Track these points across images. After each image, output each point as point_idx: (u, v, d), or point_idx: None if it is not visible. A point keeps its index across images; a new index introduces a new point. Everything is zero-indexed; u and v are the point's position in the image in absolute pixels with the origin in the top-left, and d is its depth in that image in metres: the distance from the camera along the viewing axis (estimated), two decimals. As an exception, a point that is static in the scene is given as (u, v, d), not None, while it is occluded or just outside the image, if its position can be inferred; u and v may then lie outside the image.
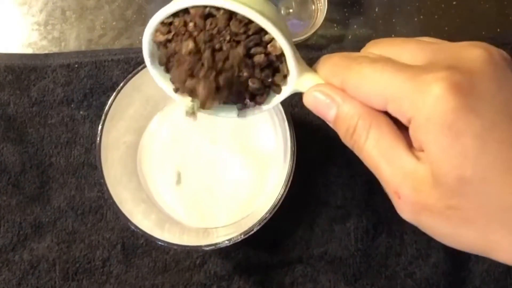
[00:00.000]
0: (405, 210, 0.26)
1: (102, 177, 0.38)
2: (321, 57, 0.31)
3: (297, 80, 0.31)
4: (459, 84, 0.23)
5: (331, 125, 0.30)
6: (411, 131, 0.25)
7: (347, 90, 0.28)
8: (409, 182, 0.25)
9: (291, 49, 0.30)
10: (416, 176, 0.25)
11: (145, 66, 0.39)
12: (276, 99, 0.33)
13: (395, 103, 0.25)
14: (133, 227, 0.39)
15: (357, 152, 0.28)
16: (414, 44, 0.27)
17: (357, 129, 0.27)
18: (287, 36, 0.30)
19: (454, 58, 0.24)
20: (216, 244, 0.38)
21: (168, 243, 0.39)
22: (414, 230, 0.50)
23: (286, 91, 0.32)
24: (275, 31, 0.29)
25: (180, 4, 0.29)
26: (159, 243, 0.39)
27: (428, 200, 0.25)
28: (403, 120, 0.25)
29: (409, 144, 0.26)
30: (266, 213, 0.39)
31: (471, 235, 0.25)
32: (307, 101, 0.30)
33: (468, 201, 0.24)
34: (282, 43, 0.29)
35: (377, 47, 0.29)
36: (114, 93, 0.40)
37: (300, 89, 0.31)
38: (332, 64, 0.29)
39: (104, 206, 0.51)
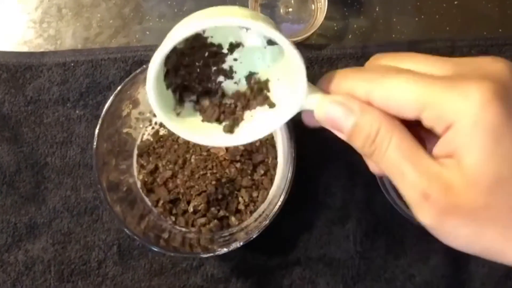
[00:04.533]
0: (430, 213, 0.26)
1: (100, 182, 0.37)
2: (325, 74, 0.31)
3: (306, 99, 0.30)
4: (499, 92, 0.24)
5: (344, 137, 0.30)
6: (446, 137, 0.26)
7: (374, 101, 0.28)
8: (439, 182, 0.26)
9: (304, 68, 0.29)
10: (444, 177, 0.26)
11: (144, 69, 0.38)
12: (283, 118, 0.32)
13: (434, 110, 0.26)
14: (129, 233, 0.38)
15: (376, 159, 0.28)
16: (430, 58, 0.28)
17: (379, 134, 0.28)
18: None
19: (481, 71, 0.26)
20: (214, 251, 0.38)
21: (164, 249, 0.38)
22: (414, 233, 0.49)
23: (293, 110, 0.32)
24: (292, 49, 0.29)
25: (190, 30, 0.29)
26: (155, 249, 0.38)
27: (459, 200, 0.25)
28: (439, 127, 0.26)
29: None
30: (266, 220, 0.38)
31: (491, 235, 0.26)
32: (321, 114, 0.30)
33: (499, 200, 0.25)
34: (297, 61, 0.29)
35: (386, 60, 0.29)
36: (111, 97, 0.39)
37: (306, 107, 0.31)
38: (349, 79, 0.29)
39: (100, 207, 0.50)
